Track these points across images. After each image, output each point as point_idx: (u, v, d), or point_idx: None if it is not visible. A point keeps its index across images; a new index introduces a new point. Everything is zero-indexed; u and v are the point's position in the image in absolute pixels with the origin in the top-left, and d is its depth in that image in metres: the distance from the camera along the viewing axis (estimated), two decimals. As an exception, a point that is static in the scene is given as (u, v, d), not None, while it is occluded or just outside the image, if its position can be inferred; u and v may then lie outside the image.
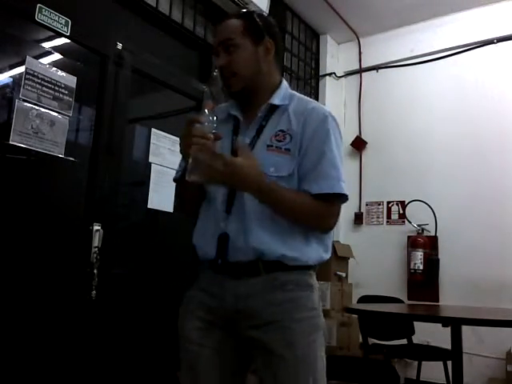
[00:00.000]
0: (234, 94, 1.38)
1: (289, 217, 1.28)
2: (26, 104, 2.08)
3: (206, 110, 1.22)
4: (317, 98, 4.39)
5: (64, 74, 2.26)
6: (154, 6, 2.84)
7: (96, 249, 2.27)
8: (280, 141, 1.31)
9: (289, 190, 1.27)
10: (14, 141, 2.02)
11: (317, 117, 1.32)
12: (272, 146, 1.31)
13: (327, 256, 1.36)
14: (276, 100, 1.37)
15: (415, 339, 3.26)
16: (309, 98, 1.42)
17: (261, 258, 1.25)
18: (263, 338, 1.23)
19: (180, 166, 1.44)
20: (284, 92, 1.40)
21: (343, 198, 1.31)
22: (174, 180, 1.47)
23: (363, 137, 4.34)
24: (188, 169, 1.19)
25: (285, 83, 1.43)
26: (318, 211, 1.28)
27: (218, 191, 1.33)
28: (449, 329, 2.21)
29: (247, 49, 1.34)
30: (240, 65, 1.33)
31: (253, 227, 1.26)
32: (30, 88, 2.09)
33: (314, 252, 1.31)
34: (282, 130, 1.32)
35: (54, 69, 2.22)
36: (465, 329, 2.24)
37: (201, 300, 1.34)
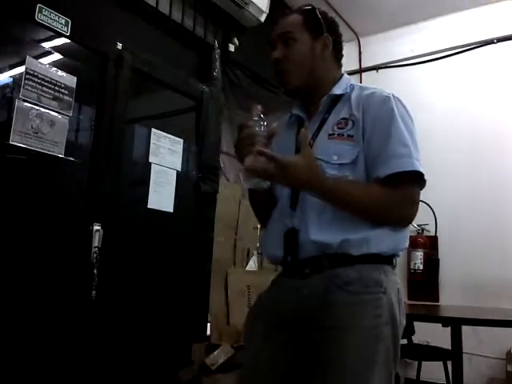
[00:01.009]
0: (291, 92, 1.34)
1: (359, 215, 1.17)
2: (25, 104, 2.07)
3: (256, 114, 1.19)
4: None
5: (64, 74, 2.26)
6: (154, 6, 2.84)
7: (96, 249, 2.27)
8: (342, 128, 1.25)
9: (354, 186, 1.18)
10: (14, 141, 2.02)
11: (377, 100, 1.25)
12: (334, 134, 1.25)
13: (404, 245, 1.23)
14: (337, 90, 1.33)
15: (415, 339, 3.25)
16: (372, 86, 1.34)
17: (324, 252, 1.16)
18: (316, 345, 1.13)
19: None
20: (345, 83, 1.35)
21: (419, 178, 1.18)
22: (249, 189, 1.40)
23: (363, 137, 4.33)
24: (242, 177, 1.18)
25: (346, 76, 1.39)
26: (390, 200, 1.16)
27: (284, 188, 1.29)
28: (449, 329, 2.21)
29: (305, 43, 1.31)
30: (295, 59, 1.30)
31: (313, 221, 1.19)
32: (30, 88, 2.09)
33: (386, 238, 1.17)
34: (344, 118, 1.27)
35: (54, 69, 2.22)
36: (465, 329, 2.24)
37: (266, 303, 1.30)
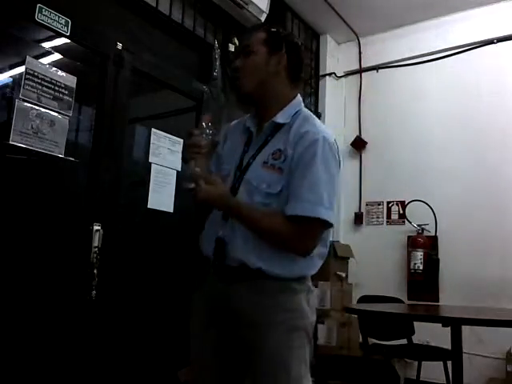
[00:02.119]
0: (242, 96, 1.45)
1: (261, 236, 1.32)
2: (25, 104, 2.07)
3: (204, 123, 1.32)
4: (317, 98, 4.39)
5: (64, 74, 2.26)
6: (154, 6, 2.84)
7: (96, 249, 2.27)
8: (276, 159, 1.36)
9: (259, 212, 1.33)
10: (14, 141, 2.02)
11: (306, 140, 1.34)
12: (267, 163, 1.37)
13: (311, 272, 1.39)
14: (280, 119, 1.42)
15: (415, 339, 3.26)
16: (313, 120, 1.42)
17: (244, 266, 1.32)
18: (244, 340, 1.32)
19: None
20: (292, 110, 1.43)
21: (322, 222, 1.30)
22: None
23: (363, 137, 4.34)
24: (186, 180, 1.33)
25: (298, 100, 1.47)
26: (289, 233, 1.30)
27: None
28: (449, 329, 2.21)
29: (260, 55, 1.42)
30: (249, 69, 1.42)
31: (238, 237, 1.34)
32: (30, 88, 2.09)
33: (297, 268, 1.34)
34: (279, 149, 1.37)
35: (54, 69, 2.22)
36: (465, 329, 2.24)
37: (203, 299, 1.45)
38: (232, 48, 3.23)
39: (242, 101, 1.46)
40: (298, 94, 1.49)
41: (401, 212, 4.08)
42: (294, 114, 1.42)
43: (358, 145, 4.31)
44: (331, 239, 3.87)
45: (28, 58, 2.11)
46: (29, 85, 2.09)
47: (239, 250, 1.33)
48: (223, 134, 1.54)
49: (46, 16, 2.18)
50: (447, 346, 2.43)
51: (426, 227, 3.88)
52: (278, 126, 1.42)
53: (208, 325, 1.40)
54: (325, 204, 1.29)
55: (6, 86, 2.08)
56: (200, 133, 1.32)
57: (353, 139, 4.32)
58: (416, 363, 3.44)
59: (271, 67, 1.41)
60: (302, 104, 1.48)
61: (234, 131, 1.54)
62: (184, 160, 1.38)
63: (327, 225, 1.32)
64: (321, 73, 4.43)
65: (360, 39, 4.42)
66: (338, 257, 3.88)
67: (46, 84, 2.16)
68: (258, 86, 1.41)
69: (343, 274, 3.90)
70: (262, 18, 3.22)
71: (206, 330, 1.40)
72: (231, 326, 1.34)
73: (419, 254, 3.79)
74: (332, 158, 1.34)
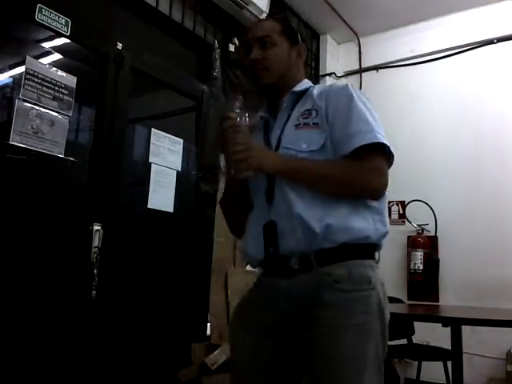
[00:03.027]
0: (263, 87, 1.39)
1: (328, 187, 1.22)
2: (26, 104, 2.07)
3: (236, 108, 1.24)
4: (317, 98, 4.38)
5: (64, 74, 2.26)
6: (154, 6, 2.84)
7: (96, 249, 2.27)
8: (307, 118, 1.31)
9: (319, 161, 1.24)
10: (14, 141, 2.02)
11: (337, 89, 1.34)
12: (300, 124, 1.31)
13: (385, 229, 1.25)
14: (298, 87, 1.40)
15: (415, 339, 3.25)
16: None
17: (309, 242, 1.18)
18: (310, 345, 1.16)
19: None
20: (306, 82, 1.43)
21: (383, 149, 1.22)
22: (220, 203, 1.47)
23: (363, 137, 4.33)
24: (229, 167, 1.22)
25: (307, 80, 1.46)
26: (356, 169, 1.21)
27: (258, 188, 1.33)
28: (449, 329, 2.20)
29: (283, 48, 1.39)
30: (275, 61, 1.37)
31: (296, 207, 1.21)
32: (30, 88, 2.09)
33: (366, 222, 1.21)
34: (307, 110, 1.33)
35: (54, 69, 2.22)
36: (465, 329, 2.24)
37: (250, 311, 1.31)
38: (232, 48, 3.23)
39: (263, 92, 1.42)
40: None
41: (401, 212, 4.08)
42: (310, 85, 1.43)
43: (358, 145, 4.31)
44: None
45: (28, 58, 2.11)
46: (29, 85, 2.09)
47: (298, 209, 1.19)
48: None
49: (45, 16, 2.18)
50: (447, 345, 2.42)
51: (426, 227, 3.88)
52: (297, 96, 1.39)
53: (266, 335, 1.23)
54: (378, 130, 1.24)
55: (6, 86, 2.08)
56: (237, 116, 1.22)
57: (353, 139, 4.31)
58: (416, 363, 3.43)
59: (293, 60, 1.40)
60: None
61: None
62: (224, 147, 1.23)
63: (388, 150, 1.23)
64: (321, 73, 4.43)
65: (360, 39, 4.41)
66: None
67: (46, 84, 2.16)
68: (279, 78, 1.38)
69: (343, 274, 3.90)
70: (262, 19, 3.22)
71: (263, 342, 1.24)
72: (296, 331, 1.18)
73: (419, 254, 3.78)
74: (366, 98, 1.34)
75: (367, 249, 1.24)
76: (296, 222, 1.20)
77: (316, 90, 1.38)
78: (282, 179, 1.25)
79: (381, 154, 1.23)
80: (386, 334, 1.20)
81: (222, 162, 1.27)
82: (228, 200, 1.43)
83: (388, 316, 1.23)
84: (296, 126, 1.31)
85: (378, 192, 1.23)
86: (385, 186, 1.22)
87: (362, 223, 1.20)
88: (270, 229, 1.24)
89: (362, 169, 1.21)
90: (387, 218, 1.28)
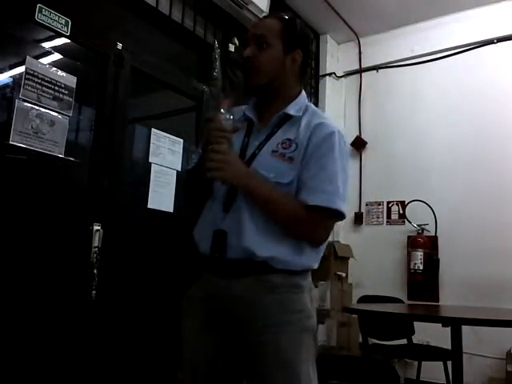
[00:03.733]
0: (251, 89, 1.40)
1: (279, 220, 1.29)
2: (26, 104, 2.07)
3: (222, 109, 1.26)
4: (317, 98, 4.39)
5: (64, 74, 2.26)
6: (154, 5, 2.84)
7: (96, 249, 2.27)
8: (285, 148, 1.33)
9: (283, 193, 1.29)
10: (14, 141, 2.02)
11: (323, 132, 1.33)
12: (277, 151, 1.33)
13: (316, 265, 1.37)
14: (291, 110, 1.39)
15: (415, 339, 3.26)
16: (322, 113, 1.43)
17: (251, 258, 1.26)
18: (251, 341, 1.26)
19: (193, 158, 1.50)
20: (301, 103, 1.41)
21: (338, 214, 1.30)
22: (187, 170, 1.52)
23: (363, 137, 4.34)
24: (205, 165, 1.25)
25: (303, 94, 1.45)
26: (309, 221, 1.28)
27: (220, 191, 1.36)
28: (449, 329, 2.20)
29: (277, 51, 1.37)
30: (265, 63, 1.36)
31: (246, 227, 1.28)
32: (30, 88, 2.09)
33: (304, 259, 1.31)
34: (289, 139, 1.34)
35: (54, 69, 2.22)
36: (465, 329, 2.24)
37: (198, 300, 1.37)
38: (232, 48, 3.23)
39: (251, 93, 1.43)
40: (303, 89, 1.47)
41: (401, 212, 4.08)
42: (303, 107, 1.40)
43: (358, 145, 4.31)
44: (331, 239, 3.87)
45: (28, 58, 2.11)
46: (29, 85, 2.09)
47: (246, 239, 1.26)
48: None
49: (46, 16, 2.18)
50: (447, 345, 2.43)
51: (426, 227, 3.88)
52: (287, 118, 1.38)
53: (207, 328, 1.32)
54: (341, 196, 1.29)
55: (6, 85, 2.08)
56: (222, 119, 1.26)
57: (353, 139, 4.31)
58: (416, 363, 3.44)
59: (286, 65, 1.38)
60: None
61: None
62: (204, 148, 1.29)
63: (342, 216, 1.31)
64: (321, 73, 4.43)
65: (360, 39, 4.41)
66: (338, 257, 3.87)
67: (46, 84, 2.16)
68: (268, 82, 1.37)
69: (343, 274, 3.90)
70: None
71: (205, 334, 1.32)
72: (234, 329, 1.28)
73: (419, 254, 3.79)
74: (346, 152, 1.35)
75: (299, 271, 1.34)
76: (243, 248, 1.27)
77: (306, 118, 1.37)
78: (242, 195, 1.31)
79: (333, 216, 1.31)
80: (315, 328, 1.33)
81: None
82: (192, 180, 1.47)
83: (315, 319, 1.34)
84: (273, 151, 1.33)
85: (318, 244, 1.34)
86: (325, 239, 1.34)
87: (299, 260, 1.30)
88: (220, 238, 1.31)
89: (311, 221, 1.29)
90: (321, 255, 1.38)
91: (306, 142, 1.31)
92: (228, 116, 1.26)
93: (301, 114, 1.38)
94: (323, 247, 1.38)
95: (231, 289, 1.28)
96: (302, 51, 1.40)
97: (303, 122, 1.36)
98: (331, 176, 1.29)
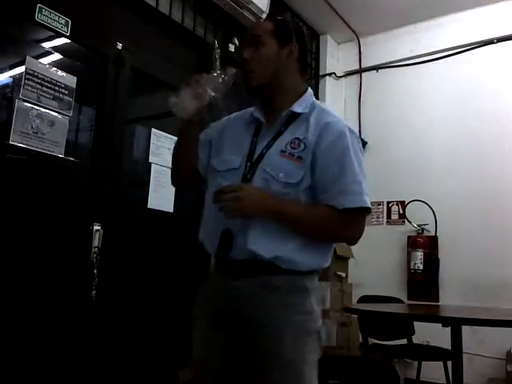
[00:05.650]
0: (253, 89, 1.41)
1: (315, 233, 1.30)
2: (26, 104, 2.08)
3: (216, 72, 1.32)
4: (317, 98, 4.30)
5: (64, 74, 2.26)
6: (154, 5, 2.84)
7: (96, 249, 2.28)
8: (294, 148, 1.32)
9: (308, 206, 1.30)
10: (14, 141, 2.02)
11: (334, 131, 1.33)
12: (286, 151, 1.32)
13: (325, 264, 1.36)
14: (297, 108, 1.39)
15: (415, 339, 3.25)
16: (330, 110, 1.42)
17: (257, 258, 1.26)
18: (255, 342, 1.26)
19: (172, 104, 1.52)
20: (307, 101, 1.41)
21: (367, 210, 1.32)
22: (172, 155, 1.54)
23: (363, 137, 4.32)
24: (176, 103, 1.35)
25: (309, 92, 1.45)
26: (344, 225, 1.30)
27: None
28: (449, 329, 2.20)
29: (271, 48, 1.38)
30: (260, 62, 1.38)
31: (252, 227, 1.28)
32: (30, 88, 2.09)
33: (309, 259, 1.31)
34: (297, 138, 1.34)
35: (54, 69, 2.22)
36: (465, 329, 2.24)
37: (207, 300, 1.38)
38: (232, 48, 3.23)
39: (253, 94, 1.42)
40: (309, 87, 1.47)
41: (401, 212, 4.08)
42: (310, 104, 1.40)
43: (358, 145, 4.31)
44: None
45: (28, 58, 2.11)
46: (29, 85, 2.09)
47: (253, 241, 1.26)
48: (220, 126, 1.51)
49: (46, 16, 2.19)
50: (447, 345, 2.42)
51: (426, 227, 3.88)
52: (294, 116, 1.38)
53: (214, 327, 1.33)
54: (366, 193, 1.31)
55: (6, 86, 2.08)
56: (209, 80, 1.32)
57: (353, 139, 4.30)
58: (416, 363, 3.43)
59: (283, 60, 1.38)
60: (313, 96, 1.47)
61: (236, 122, 1.49)
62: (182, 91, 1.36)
63: (370, 211, 1.34)
64: (321, 73, 4.43)
65: (360, 39, 4.41)
66: (338, 257, 3.87)
67: (46, 84, 2.16)
68: (268, 79, 1.38)
69: (343, 274, 3.90)
70: (262, 19, 3.22)
71: (212, 332, 1.33)
72: (240, 328, 1.28)
73: (419, 254, 3.79)
74: (360, 148, 1.36)
75: (306, 271, 1.33)
76: (248, 250, 1.27)
77: (314, 116, 1.37)
78: None
79: (364, 214, 1.33)
80: (320, 331, 1.31)
81: (174, 102, 1.38)
82: (180, 148, 1.50)
83: (320, 321, 1.34)
84: (282, 151, 1.33)
85: (355, 242, 1.35)
86: (361, 236, 1.34)
87: (306, 259, 1.30)
88: (226, 238, 1.31)
89: (346, 224, 1.30)
90: (331, 253, 1.38)
91: (314, 141, 1.31)
92: (219, 79, 1.31)
93: (307, 111, 1.38)
94: (332, 246, 1.39)
95: (238, 289, 1.28)
96: (298, 45, 1.41)
97: (312, 121, 1.36)
98: (353, 176, 1.30)
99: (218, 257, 1.33)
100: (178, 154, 1.50)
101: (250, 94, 1.43)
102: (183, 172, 1.51)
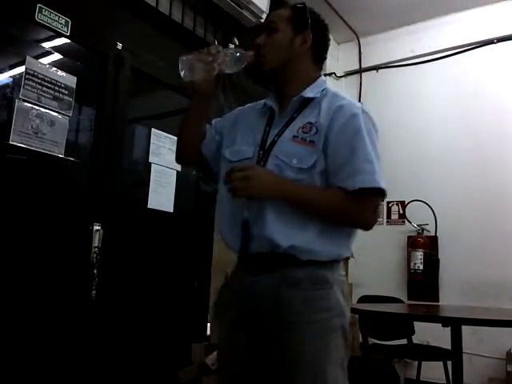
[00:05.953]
0: (264, 74, 1.39)
1: (325, 217, 1.26)
2: (26, 104, 2.08)
3: (232, 48, 1.32)
4: (317, 98, 4.38)
5: (64, 74, 2.26)
6: (154, 5, 2.84)
7: (96, 249, 2.28)
8: (306, 132, 1.30)
9: (319, 189, 1.26)
10: (14, 141, 2.02)
11: (346, 113, 1.29)
12: (298, 137, 1.30)
13: (346, 253, 1.32)
14: (309, 93, 1.36)
15: (415, 339, 3.25)
16: (343, 95, 1.38)
17: (274, 251, 1.23)
18: (277, 341, 1.21)
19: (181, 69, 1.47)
20: (319, 86, 1.39)
21: (380, 192, 1.26)
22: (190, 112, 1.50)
23: (363, 137, 4.33)
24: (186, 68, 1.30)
25: (322, 79, 1.43)
26: (357, 207, 1.24)
27: None
28: (449, 329, 2.20)
29: (285, 34, 1.37)
30: (273, 47, 1.36)
31: (268, 215, 1.25)
32: (30, 88, 2.09)
33: (330, 246, 1.26)
34: (309, 122, 1.31)
35: (54, 69, 2.22)
36: (465, 329, 2.24)
37: (225, 300, 1.36)
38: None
39: (261, 78, 1.41)
40: (322, 75, 1.45)
41: (401, 212, 4.08)
42: (322, 90, 1.38)
43: (358, 145, 4.31)
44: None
45: (28, 58, 2.11)
46: (29, 85, 2.09)
47: (270, 228, 1.23)
48: (233, 117, 1.49)
49: (46, 16, 2.19)
50: (447, 345, 2.42)
51: (426, 227, 3.88)
52: (306, 102, 1.36)
53: (236, 326, 1.28)
54: (379, 173, 1.26)
55: (6, 85, 2.08)
56: (222, 53, 1.29)
57: (353, 139, 4.31)
58: (416, 363, 3.43)
59: (296, 47, 1.36)
60: (327, 83, 1.44)
61: (249, 113, 1.47)
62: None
63: (384, 194, 1.28)
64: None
65: (360, 39, 4.41)
66: (338, 257, 3.87)
67: (46, 84, 2.16)
68: (279, 65, 1.36)
69: (343, 274, 3.90)
70: (262, 18, 3.22)
71: (234, 334, 1.29)
72: (261, 327, 1.23)
73: (419, 254, 3.79)
74: (373, 128, 1.32)
75: (326, 261, 1.29)
76: (265, 238, 1.24)
77: (326, 100, 1.34)
78: None
79: (378, 196, 1.28)
80: (347, 328, 1.26)
81: (182, 60, 1.32)
82: (188, 118, 1.47)
83: (349, 314, 1.28)
84: (294, 137, 1.30)
85: (371, 227, 1.29)
86: (376, 221, 1.29)
87: (325, 247, 1.26)
88: (246, 229, 1.28)
89: (359, 206, 1.25)
90: (352, 241, 1.34)
91: (327, 124, 1.28)
92: (232, 56, 1.30)
93: (319, 96, 1.36)
94: (353, 233, 1.33)
95: (257, 285, 1.25)
96: (312, 33, 1.38)
97: (324, 105, 1.33)
98: (365, 156, 1.25)
99: (242, 252, 1.31)
100: (183, 125, 1.47)
101: (258, 82, 1.42)
102: (187, 146, 1.48)
